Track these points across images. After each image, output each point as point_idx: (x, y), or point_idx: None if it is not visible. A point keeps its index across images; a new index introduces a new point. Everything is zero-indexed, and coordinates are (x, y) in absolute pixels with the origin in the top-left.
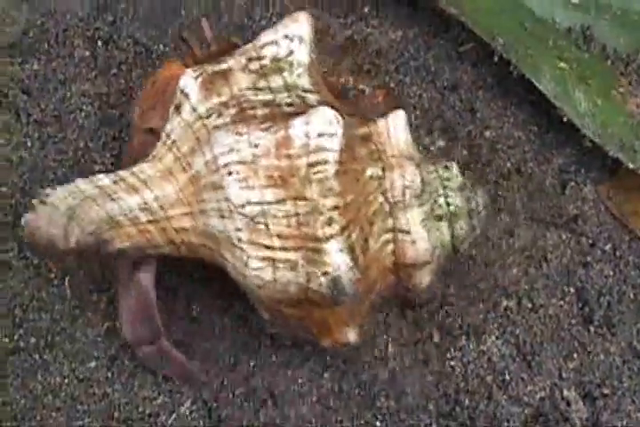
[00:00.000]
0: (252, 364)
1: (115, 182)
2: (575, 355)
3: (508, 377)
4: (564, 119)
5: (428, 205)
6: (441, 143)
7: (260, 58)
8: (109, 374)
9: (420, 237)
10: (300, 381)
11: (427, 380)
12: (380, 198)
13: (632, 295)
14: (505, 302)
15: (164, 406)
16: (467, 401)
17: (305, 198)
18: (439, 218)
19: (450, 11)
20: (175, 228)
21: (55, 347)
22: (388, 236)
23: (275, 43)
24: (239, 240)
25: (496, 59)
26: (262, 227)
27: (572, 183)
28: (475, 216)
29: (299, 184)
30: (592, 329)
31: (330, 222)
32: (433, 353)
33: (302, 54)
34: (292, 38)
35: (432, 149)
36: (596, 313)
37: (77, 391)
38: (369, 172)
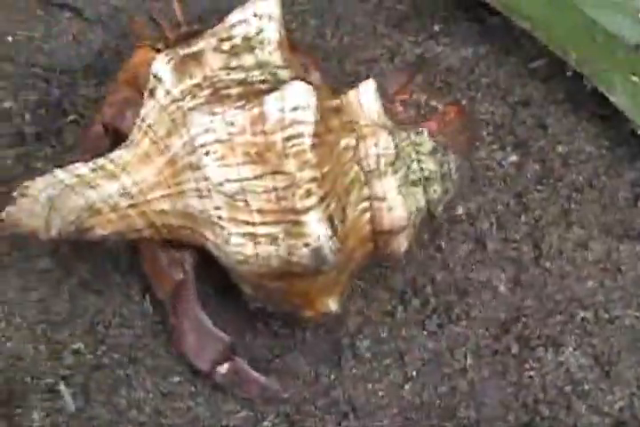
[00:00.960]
0: (332, 377)
1: (93, 170)
2: None
3: (586, 387)
4: (636, 133)
5: (403, 172)
6: (513, 158)
7: (230, 38)
8: (192, 389)
9: (397, 204)
10: (380, 393)
11: (506, 391)
12: (356, 168)
13: None
14: (582, 314)
15: (248, 419)
16: (546, 412)
17: (283, 173)
18: (414, 183)
19: (523, 26)
20: (155, 210)
21: (138, 362)
22: (365, 204)
23: (244, 22)
24: (219, 218)
25: (567, 74)
26: (242, 204)
27: None
28: (448, 179)
29: (276, 159)
30: None
31: (308, 195)
32: (511, 364)
33: (272, 32)
34: (260, 16)
35: (504, 164)
36: None
37: (162, 406)
38: (343, 142)
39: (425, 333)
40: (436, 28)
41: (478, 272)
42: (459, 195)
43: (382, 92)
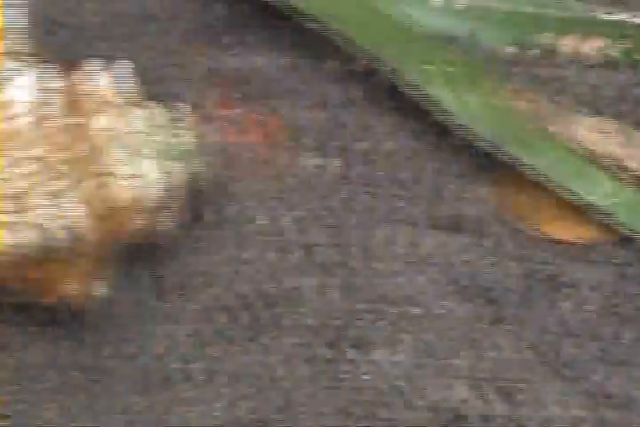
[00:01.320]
0: (166, 403)
1: None
2: (483, 354)
3: (423, 384)
4: (459, 126)
5: (157, 147)
6: (338, 163)
7: None
8: None
9: (152, 180)
10: (216, 414)
11: (345, 397)
12: (92, 146)
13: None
14: (416, 310)
15: None
16: (386, 414)
17: (28, 157)
18: (172, 158)
19: (330, 29)
20: None
21: None
22: (119, 182)
23: None
24: None
25: (385, 72)
26: None
27: (470, 187)
28: (210, 153)
29: (5, 142)
30: (493, 326)
31: (53, 177)
32: (349, 370)
33: (15, 21)
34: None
35: (329, 169)
36: (495, 310)
37: None
38: (73, 121)
39: (258, 348)
40: (250, 39)
41: (309, 280)
42: (285, 204)
43: (202, 110)
